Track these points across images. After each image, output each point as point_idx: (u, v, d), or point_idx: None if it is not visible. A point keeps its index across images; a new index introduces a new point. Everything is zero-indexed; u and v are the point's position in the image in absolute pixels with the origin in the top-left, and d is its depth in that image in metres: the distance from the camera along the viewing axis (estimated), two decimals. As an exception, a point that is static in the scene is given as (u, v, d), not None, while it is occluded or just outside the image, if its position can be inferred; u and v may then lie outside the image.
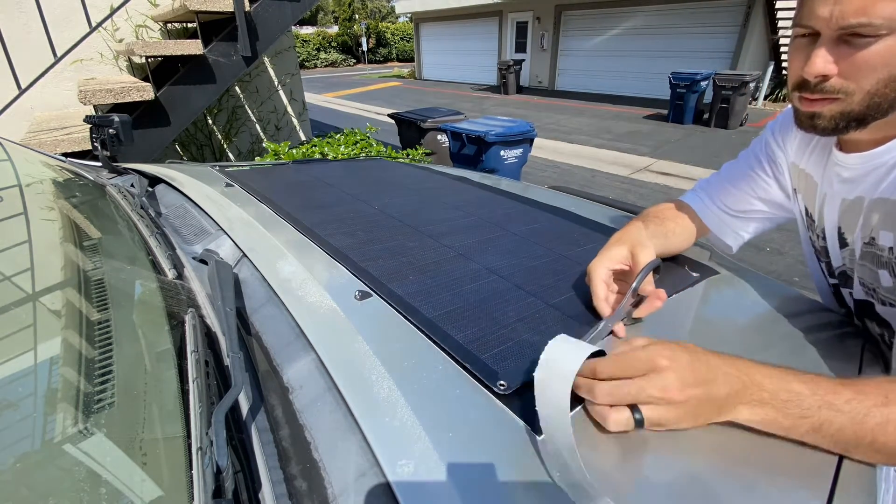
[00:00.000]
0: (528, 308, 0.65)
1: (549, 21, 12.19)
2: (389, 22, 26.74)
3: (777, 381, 0.44)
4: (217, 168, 1.32)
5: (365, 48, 24.11)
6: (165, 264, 0.75)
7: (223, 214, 0.94)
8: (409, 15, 17.42)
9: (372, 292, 0.67)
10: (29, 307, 0.56)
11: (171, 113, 2.67)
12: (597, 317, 0.63)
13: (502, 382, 0.50)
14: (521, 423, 0.46)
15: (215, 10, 2.59)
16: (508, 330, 0.60)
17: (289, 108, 4.57)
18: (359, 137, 3.65)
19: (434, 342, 0.57)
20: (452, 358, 0.54)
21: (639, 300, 0.62)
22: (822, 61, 0.49)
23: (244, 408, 0.49)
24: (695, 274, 0.79)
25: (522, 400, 0.49)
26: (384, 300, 0.65)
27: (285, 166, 1.49)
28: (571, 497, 0.39)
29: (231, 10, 2.61)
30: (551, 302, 0.67)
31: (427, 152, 4.03)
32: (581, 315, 0.64)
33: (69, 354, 0.50)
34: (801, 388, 0.43)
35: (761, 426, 0.44)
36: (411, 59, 21.10)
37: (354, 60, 24.74)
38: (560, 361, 0.45)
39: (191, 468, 0.38)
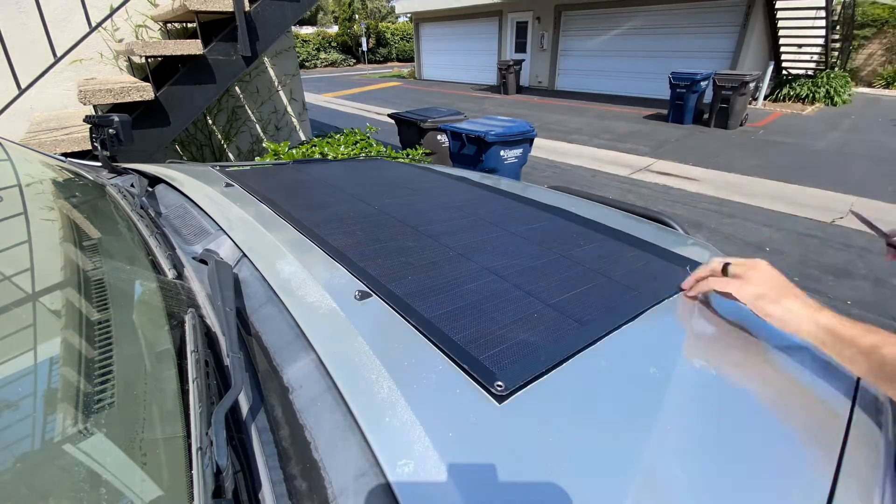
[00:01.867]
0: (526, 308, 0.65)
1: (549, 21, 12.18)
2: (389, 22, 26.73)
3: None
4: (217, 168, 1.32)
5: (365, 48, 24.11)
6: (165, 264, 0.74)
7: (223, 214, 0.94)
8: (409, 15, 17.42)
9: (372, 292, 0.67)
10: (29, 307, 0.56)
11: (171, 113, 2.66)
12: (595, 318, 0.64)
13: (500, 383, 0.50)
14: (519, 423, 0.46)
15: (215, 10, 2.58)
16: (507, 330, 0.60)
17: (289, 109, 4.56)
18: (359, 137, 3.65)
19: (433, 343, 0.57)
20: (451, 359, 0.54)
21: None
22: None
23: (244, 408, 0.49)
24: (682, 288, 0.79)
25: (520, 400, 0.49)
26: (384, 300, 0.65)
27: (285, 166, 1.49)
28: None
29: (231, 10, 2.61)
30: (550, 302, 0.67)
31: (427, 152, 4.03)
32: (579, 314, 0.64)
33: (69, 354, 0.49)
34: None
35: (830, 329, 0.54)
36: (411, 59, 21.09)
37: (354, 60, 24.73)
38: None
39: (191, 468, 0.38)
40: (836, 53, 9.47)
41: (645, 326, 0.64)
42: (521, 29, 13.20)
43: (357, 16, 25.07)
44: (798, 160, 5.58)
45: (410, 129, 4.65)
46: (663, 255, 0.88)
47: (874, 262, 3.12)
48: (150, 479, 0.38)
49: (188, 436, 0.41)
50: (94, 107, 2.49)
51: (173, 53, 2.55)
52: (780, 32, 9.04)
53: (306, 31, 25.43)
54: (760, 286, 0.63)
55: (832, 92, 8.95)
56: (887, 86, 10.87)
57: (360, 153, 3.41)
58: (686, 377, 0.55)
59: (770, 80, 9.05)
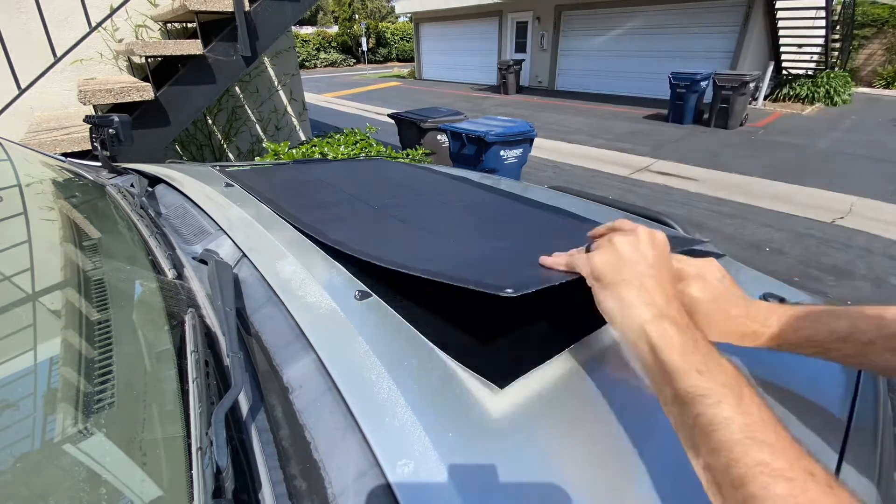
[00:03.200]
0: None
1: (549, 21, 12.19)
2: (389, 22, 26.74)
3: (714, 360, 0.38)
4: (217, 168, 1.32)
5: (365, 48, 24.11)
6: (165, 264, 0.74)
7: (223, 214, 0.94)
8: (409, 15, 17.42)
9: (372, 292, 0.67)
10: (29, 307, 0.56)
11: (171, 113, 2.67)
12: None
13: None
14: (520, 421, 0.46)
15: (215, 10, 2.59)
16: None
17: (289, 108, 4.56)
18: (359, 137, 3.64)
19: (434, 342, 0.57)
20: (453, 358, 0.54)
21: None
22: None
23: (244, 408, 0.49)
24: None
25: (523, 398, 0.49)
26: (383, 301, 0.65)
27: (285, 166, 1.49)
28: None
29: (231, 10, 2.61)
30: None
31: (427, 152, 4.03)
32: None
33: (69, 354, 0.50)
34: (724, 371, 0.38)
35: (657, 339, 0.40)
36: (411, 59, 21.09)
37: (354, 60, 24.74)
38: None
39: (191, 468, 0.38)
40: (836, 53, 9.47)
41: None
42: (521, 29, 13.20)
43: (357, 16, 25.08)
44: (798, 160, 5.58)
45: (410, 129, 4.65)
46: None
47: (874, 261, 3.12)
48: (150, 479, 0.38)
49: (188, 436, 0.41)
50: (94, 107, 2.49)
51: (173, 53, 2.55)
52: (780, 32, 9.03)
53: (306, 31, 25.44)
54: (600, 259, 0.48)
55: (832, 92, 8.95)
56: (887, 86, 10.87)
57: (360, 153, 3.41)
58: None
59: (770, 80, 9.05)
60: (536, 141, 4.29)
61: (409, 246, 0.84)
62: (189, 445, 0.40)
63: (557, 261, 0.56)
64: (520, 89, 12.25)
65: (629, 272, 0.45)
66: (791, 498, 0.29)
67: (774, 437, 0.32)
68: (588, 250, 0.53)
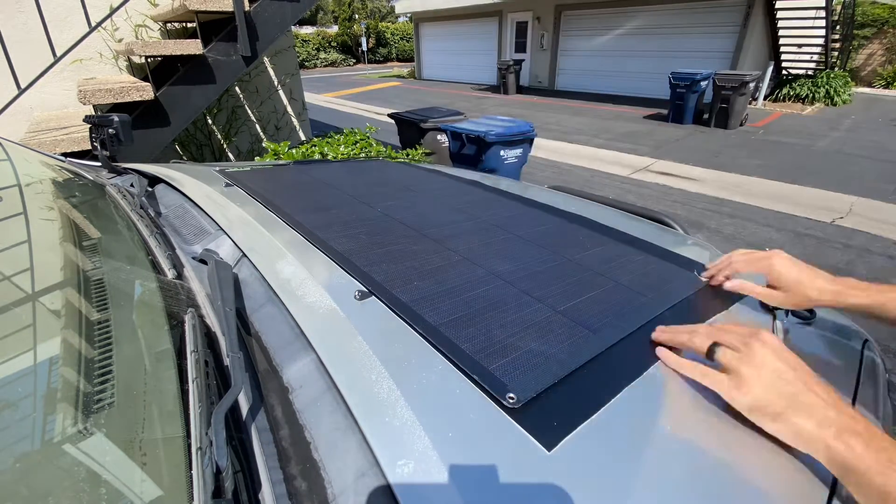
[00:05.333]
0: (535, 315, 0.64)
1: (548, 21, 12.18)
2: (389, 22, 26.74)
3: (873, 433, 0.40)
4: (217, 168, 1.32)
5: (365, 48, 24.11)
6: (165, 264, 0.74)
7: (223, 214, 0.94)
8: (409, 15, 17.42)
9: (371, 292, 0.67)
10: (29, 307, 0.56)
11: (171, 113, 2.66)
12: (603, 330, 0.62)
13: (511, 395, 0.49)
14: (522, 421, 0.46)
15: (215, 9, 2.58)
16: (516, 339, 0.59)
17: (288, 108, 4.56)
18: (359, 137, 3.64)
19: (440, 352, 0.56)
20: (459, 368, 0.53)
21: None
22: None
23: (244, 408, 0.49)
24: (704, 279, 0.79)
25: (522, 404, 0.49)
26: (383, 300, 0.65)
27: (286, 167, 1.49)
28: None
29: (231, 9, 2.61)
30: (559, 308, 0.66)
31: (427, 152, 4.03)
32: (589, 322, 0.64)
33: (69, 354, 0.49)
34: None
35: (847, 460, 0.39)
36: (411, 59, 21.10)
37: (354, 60, 24.74)
38: None
39: (191, 468, 0.38)
40: (836, 53, 9.46)
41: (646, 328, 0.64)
42: (521, 29, 13.19)
43: (357, 16, 25.08)
44: (798, 160, 5.58)
45: (410, 129, 4.65)
46: (668, 257, 0.88)
47: (874, 261, 3.12)
48: (150, 479, 0.38)
49: (188, 436, 0.41)
50: (94, 107, 2.49)
51: (173, 53, 2.55)
52: (780, 32, 9.03)
53: (306, 30, 25.42)
54: (757, 390, 0.46)
55: (832, 92, 8.94)
56: (887, 86, 10.86)
57: (360, 153, 3.41)
58: (689, 383, 0.55)
59: (770, 80, 9.04)
60: (536, 141, 4.29)
61: (411, 259, 0.84)
62: (189, 445, 0.40)
63: (682, 363, 0.54)
64: (520, 89, 12.24)
65: (791, 396, 0.44)
66: None
67: None
68: (711, 355, 0.51)
